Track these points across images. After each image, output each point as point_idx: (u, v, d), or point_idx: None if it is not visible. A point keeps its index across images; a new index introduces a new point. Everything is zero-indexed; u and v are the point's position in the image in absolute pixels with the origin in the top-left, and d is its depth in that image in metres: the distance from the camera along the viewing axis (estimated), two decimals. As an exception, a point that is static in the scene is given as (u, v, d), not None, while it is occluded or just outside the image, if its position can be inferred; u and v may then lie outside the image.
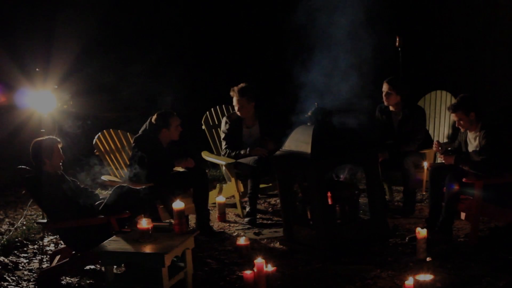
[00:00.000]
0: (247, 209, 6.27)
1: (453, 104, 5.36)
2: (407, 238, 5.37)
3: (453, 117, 5.38)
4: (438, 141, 5.65)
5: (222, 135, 6.57)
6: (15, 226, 6.36)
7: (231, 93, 6.47)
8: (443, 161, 5.39)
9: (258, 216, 6.34)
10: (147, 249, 4.35)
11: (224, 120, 6.60)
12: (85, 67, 9.40)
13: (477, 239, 5.16)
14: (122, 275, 4.69)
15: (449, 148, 5.65)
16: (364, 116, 5.57)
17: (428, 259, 4.87)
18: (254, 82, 6.73)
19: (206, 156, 6.73)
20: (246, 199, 6.47)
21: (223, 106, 7.11)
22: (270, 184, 6.50)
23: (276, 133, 6.23)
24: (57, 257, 5.18)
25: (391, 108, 6.30)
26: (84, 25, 9.59)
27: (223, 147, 6.55)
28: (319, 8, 5.65)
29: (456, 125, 5.39)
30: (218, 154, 6.76)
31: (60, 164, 5.10)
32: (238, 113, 6.48)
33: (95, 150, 6.19)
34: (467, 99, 5.31)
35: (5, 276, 5.09)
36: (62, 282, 4.98)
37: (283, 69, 6.01)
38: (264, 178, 6.36)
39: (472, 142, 5.33)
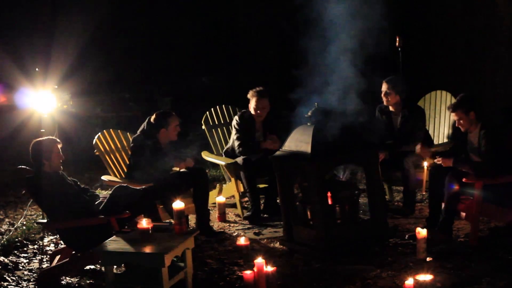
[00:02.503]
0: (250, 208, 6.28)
1: (453, 103, 5.36)
2: (406, 235, 5.38)
3: (453, 116, 5.38)
4: (422, 144, 5.69)
5: (234, 132, 6.44)
6: (15, 226, 6.36)
7: (251, 95, 6.38)
8: (442, 164, 5.38)
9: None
10: (147, 249, 4.35)
11: (236, 118, 6.48)
12: (85, 67, 9.42)
13: (477, 239, 5.16)
14: (122, 275, 4.69)
15: (448, 149, 5.66)
16: (364, 116, 5.56)
17: (428, 259, 4.87)
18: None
19: (206, 156, 6.73)
20: (246, 199, 6.48)
21: (223, 106, 7.11)
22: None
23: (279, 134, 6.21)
24: (57, 257, 5.18)
25: (390, 108, 6.30)
26: (84, 25, 9.60)
27: (236, 144, 6.40)
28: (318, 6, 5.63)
29: (456, 124, 5.39)
30: (218, 154, 6.75)
31: (60, 164, 5.11)
32: (258, 113, 6.39)
33: (95, 150, 6.19)
34: (467, 98, 5.32)
35: (5, 276, 5.08)
36: (62, 282, 4.99)
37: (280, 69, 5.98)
38: (264, 178, 6.36)
39: (472, 142, 5.32)
